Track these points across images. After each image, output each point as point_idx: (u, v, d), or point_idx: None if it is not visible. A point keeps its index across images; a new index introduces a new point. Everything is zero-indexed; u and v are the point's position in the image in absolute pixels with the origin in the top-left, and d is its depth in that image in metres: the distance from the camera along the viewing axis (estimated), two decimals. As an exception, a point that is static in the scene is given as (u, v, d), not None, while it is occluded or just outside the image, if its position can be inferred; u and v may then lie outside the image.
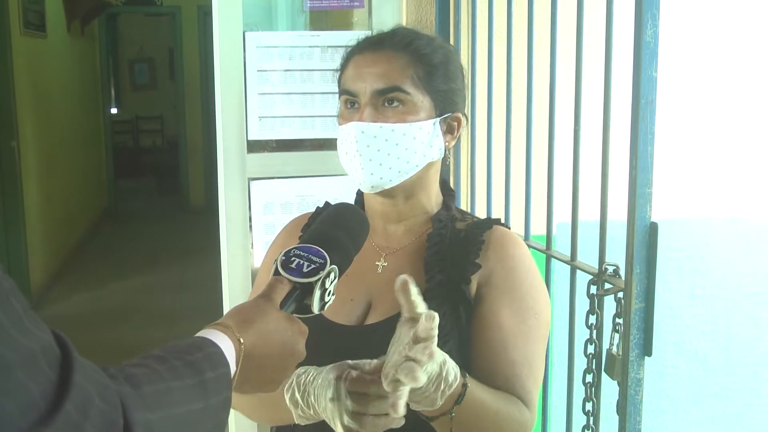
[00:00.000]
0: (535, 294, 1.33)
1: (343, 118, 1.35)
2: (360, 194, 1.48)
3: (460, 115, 1.39)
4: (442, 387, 1.06)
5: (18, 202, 5.66)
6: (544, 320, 1.33)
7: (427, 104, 1.32)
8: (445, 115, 1.35)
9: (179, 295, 6.14)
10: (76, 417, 0.65)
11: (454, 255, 1.33)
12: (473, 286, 1.30)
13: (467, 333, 1.29)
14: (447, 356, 1.07)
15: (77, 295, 6.18)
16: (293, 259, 1.05)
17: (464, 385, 1.11)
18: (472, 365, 1.26)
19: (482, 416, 1.16)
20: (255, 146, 2.19)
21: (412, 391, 1.02)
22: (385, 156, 1.30)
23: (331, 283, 1.05)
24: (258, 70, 2.16)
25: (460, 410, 1.12)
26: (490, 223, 1.39)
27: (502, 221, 1.43)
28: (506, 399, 1.22)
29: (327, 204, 1.49)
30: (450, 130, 1.37)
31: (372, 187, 1.33)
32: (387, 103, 1.30)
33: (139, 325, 5.37)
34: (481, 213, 2.02)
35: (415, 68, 1.31)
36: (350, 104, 1.34)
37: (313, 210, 1.52)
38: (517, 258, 1.33)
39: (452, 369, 1.07)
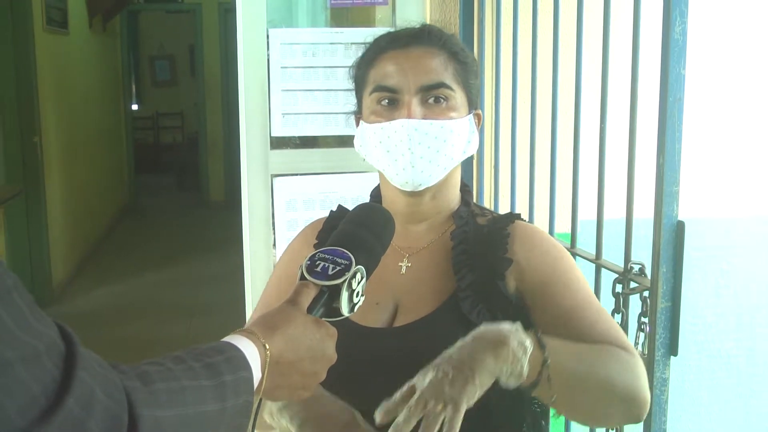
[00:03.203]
0: (572, 265, 1.34)
1: (378, 115, 1.32)
2: (376, 194, 1.46)
3: (479, 111, 1.41)
4: (519, 360, 1.07)
5: (40, 198, 5.70)
6: (585, 280, 1.33)
7: (464, 100, 1.34)
8: (473, 111, 1.37)
9: (198, 290, 6.16)
10: (78, 413, 0.65)
11: (481, 252, 1.32)
12: (509, 283, 1.29)
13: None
14: (514, 330, 1.09)
15: (98, 290, 6.22)
16: (318, 262, 1.04)
17: (542, 348, 1.11)
18: None
19: (580, 373, 1.15)
20: (278, 143, 2.20)
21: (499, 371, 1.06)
22: (434, 153, 1.29)
23: (359, 283, 1.04)
24: (281, 67, 2.17)
25: (554, 373, 1.10)
26: (511, 217, 1.39)
27: (520, 213, 1.43)
28: (598, 350, 1.19)
29: (340, 207, 1.48)
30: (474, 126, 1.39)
31: (418, 185, 1.31)
32: (433, 99, 1.30)
33: (159, 320, 5.40)
34: (504, 210, 2.01)
35: (454, 64, 1.32)
36: (387, 101, 1.31)
37: (333, 208, 1.51)
38: (546, 245, 1.34)
39: (519, 344, 1.08)
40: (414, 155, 1.29)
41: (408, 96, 1.29)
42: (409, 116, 1.28)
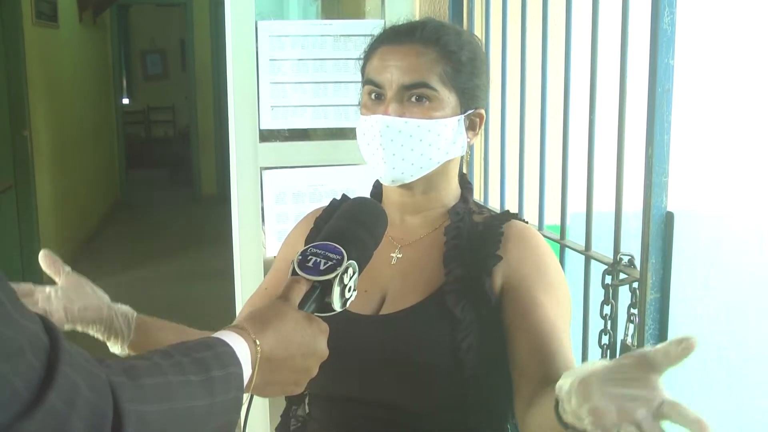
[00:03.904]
0: (563, 285, 1.33)
1: (366, 108, 1.34)
2: (378, 185, 1.47)
3: (482, 110, 1.39)
4: None
5: (31, 193, 5.68)
6: (570, 311, 1.31)
7: (453, 101, 1.32)
8: (469, 112, 1.35)
9: (191, 285, 6.15)
10: (61, 408, 0.64)
11: (473, 248, 1.32)
12: (496, 280, 1.28)
13: (487, 326, 1.27)
14: None
15: (89, 285, 6.20)
16: (310, 257, 1.03)
17: None
18: (521, 352, 1.19)
19: None
20: (267, 136, 2.19)
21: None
22: (408, 151, 1.30)
23: (350, 278, 1.04)
24: (270, 60, 2.16)
25: None
26: (507, 216, 1.38)
27: (517, 213, 1.43)
28: None
29: (344, 196, 1.48)
30: (472, 126, 1.37)
31: (392, 180, 1.33)
32: (414, 98, 1.29)
33: (152, 314, 5.35)
34: (494, 203, 2.01)
35: (444, 64, 1.30)
36: (375, 95, 1.33)
37: (323, 201, 1.52)
38: (542, 249, 1.32)
39: None
40: (386, 152, 1.30)
41: (390, 93, 1.30)
42: (385, 113, 1.29)
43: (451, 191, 1.41)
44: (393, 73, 1.29)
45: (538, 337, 1.19)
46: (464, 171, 2.17)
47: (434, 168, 1.34)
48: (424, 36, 1.31)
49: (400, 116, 1.29)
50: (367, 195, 1.47)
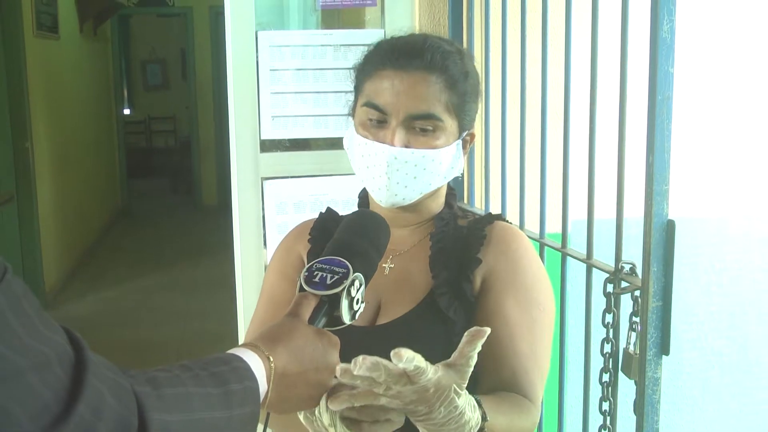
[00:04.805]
0: (539, 286, 1.33)
1: (366, 130, 1.33)
2: (363, 195, 1.48)
3: (474, 131, 1.41)
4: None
5: (32, 203, 5.68)
6: (549, 313, 1.33)
7: (454, 128, 1.34)
8: (464, 134, 1.37)
9: (192, 294, 6.15)
10: (89, 418, 0.65)
11: (457, 251, 1.34)
12: (476, 282, 1.31)
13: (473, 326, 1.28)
14: (468, 403, 1.00)
15: (91, 295, 6.20)
16: (316, 273, 1.05)
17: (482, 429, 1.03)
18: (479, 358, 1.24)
19: None
20: (268, 145, 2.19)
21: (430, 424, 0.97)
22: (412, 179, 1.32)
23: (358, 290, 1.05)
24: (271, 70, 2.16)
25: None
26: (491, 218, 1.41)
27: (505, 217, 1.45)
28: (517, 411, 1.18)
29: (329, 209, 1.50)
30: (464, 145, 1.39)
31: (391, 204, 1.35)
32: (419, 128, 1.30)
33: (153, 324, 5.38)
34: (495, 211, 2.00)
35: (449, 93, 1.31)
36: (376, 120, 1.32)
37: (320, 211, 1.52)
38: (520, 251, 1.34)
39: (472, 417, 1.00)
40: (390, 180, 1.31)
41: (395, 121, 1.30)
42: (391, 142, 1.30)
43: (440, 202, 1.43)
44: (400, 100, 1.29)
45: (491, 344, 1.17)
46: (465, 180, 2.17)
47: (429, 191, 1.36)
48: (431, 62, 1.30)
49: (407, 146, 1.30)
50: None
